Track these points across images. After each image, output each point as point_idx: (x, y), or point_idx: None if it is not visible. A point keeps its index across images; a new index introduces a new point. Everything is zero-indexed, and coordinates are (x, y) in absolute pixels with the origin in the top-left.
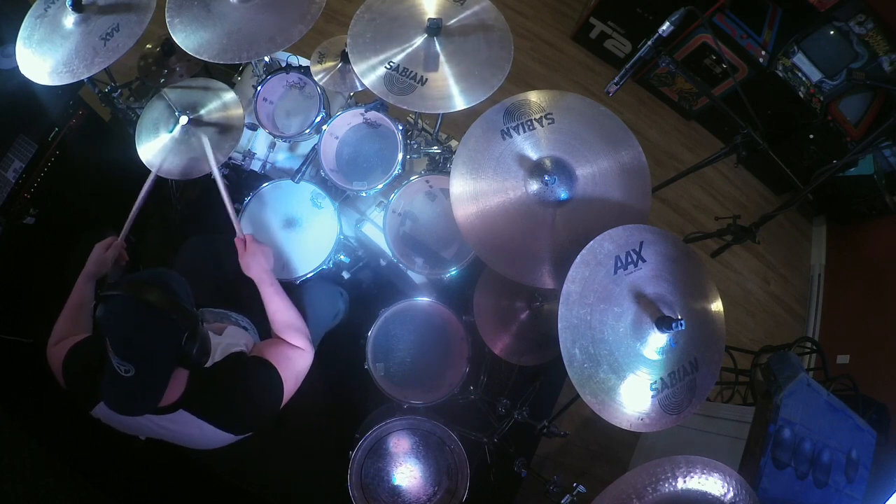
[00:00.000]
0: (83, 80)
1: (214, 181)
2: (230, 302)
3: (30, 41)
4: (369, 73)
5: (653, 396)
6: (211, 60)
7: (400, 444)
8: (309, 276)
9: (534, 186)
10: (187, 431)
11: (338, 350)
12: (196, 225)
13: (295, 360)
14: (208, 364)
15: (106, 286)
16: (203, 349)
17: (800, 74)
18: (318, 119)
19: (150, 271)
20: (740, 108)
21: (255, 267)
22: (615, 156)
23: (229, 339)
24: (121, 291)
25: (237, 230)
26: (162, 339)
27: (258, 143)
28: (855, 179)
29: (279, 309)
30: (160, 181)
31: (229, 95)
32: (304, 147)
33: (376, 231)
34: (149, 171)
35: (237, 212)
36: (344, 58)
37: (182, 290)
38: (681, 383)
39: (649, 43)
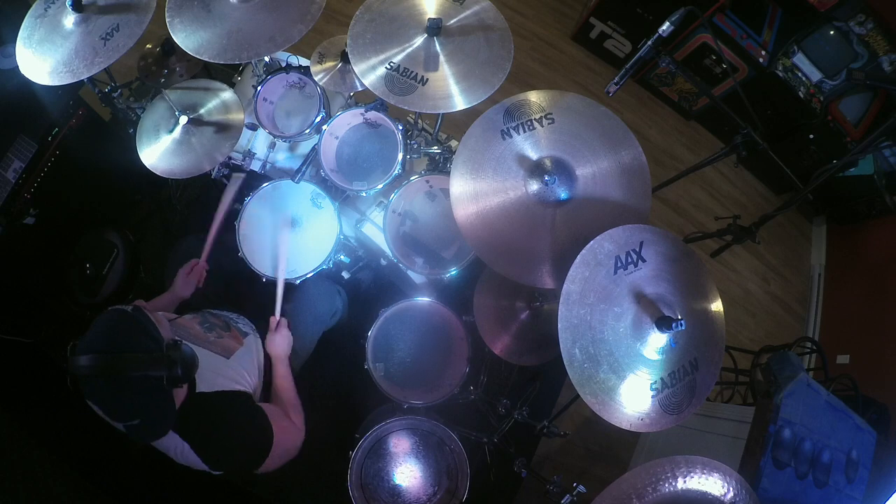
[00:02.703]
0: (83, 80)
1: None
2: (230, 302)
3: (30, 41)
4: (370, 73)
5: (653, 396)
6: (211, 60)
7: (400, 444)
8: (309, 276)
9: (534, 186)
10: (169, 444)
11: (338, 350)
12: (196, 225)
13: (290, 434)
14: (209, 389)
15: (68, 360)
16: (186, 364)
17: (800, 74)
18: (318, 119)
19: (101, 324)
20: (740, 108)
21: (280, 348)
22: (615, 156)
23: (236, 367)
24: (83, 371)
25: (277, 310)
26: (144, 391)
27: (258, 143)
28: (855, 179)
29: (286, 389)
30: (160, 181)
31: (229, 95)
32: (304, 147)
33: (376, 231)
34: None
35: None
36: (344, 58)
37: (136, 330)
38: (681, 383)
39: (649, 43)
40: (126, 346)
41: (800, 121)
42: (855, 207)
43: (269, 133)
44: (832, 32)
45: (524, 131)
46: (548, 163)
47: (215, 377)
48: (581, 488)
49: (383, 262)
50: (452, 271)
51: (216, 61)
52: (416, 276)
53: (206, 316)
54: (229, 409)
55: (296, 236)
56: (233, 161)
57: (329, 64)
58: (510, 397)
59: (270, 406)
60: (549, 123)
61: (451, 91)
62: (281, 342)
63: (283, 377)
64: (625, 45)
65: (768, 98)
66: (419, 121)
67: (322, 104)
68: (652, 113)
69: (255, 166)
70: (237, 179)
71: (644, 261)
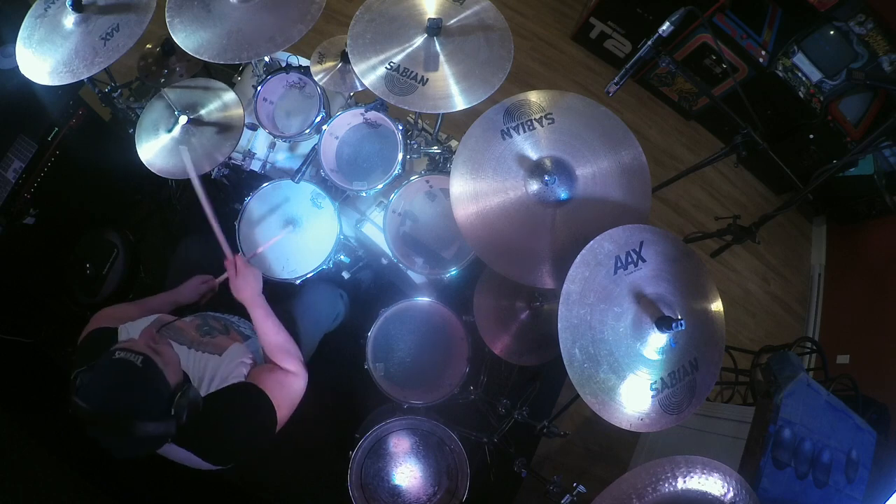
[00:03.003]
0: (83, 80)
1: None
2: (229, 306)
3: (30, 41)
4: (370, 73)
5: (653, 396)
6: (211, 60)
7: (400, 444)
8: (309, 276)
9: (534, 186)
10: (172, 454)
11: (338, 350)
12: (196, 225)
13: (289, 385)
14: (203, 392)
15: (72, 401)
16: (193, 409)
17: (800, 74)
18: (318, 119)
19: (107, 377)
20: (740, 108)
21: (247, 289)
22: (615, 156)
23: (228, 363)
24: (85, 420)
25: (226, 252)
26: (145, 441)
27: (258, 143)
28: (855, 179)
29: (270, 331)
30: (160, 181)
31: (229, 95)
32: (304, 147)
33: (376, 231)
34: (149, 173)
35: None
36: (344, 58)
37: (144, 388)
38: (681, 383)
39: (649, 43)
40: (132, 409)
41: (800, 121)
42: (855, 207)
43: (269, 133)
44: (832, 32)
45: (524, 131)
46: (548, 163)
47: (210, 380)
48: (581, 488)
49: (383, 261)
50: (452, 271)
51: (216, 61)
52: (416, 276)
53: (207, 318)
54: (225, 409)
55: (296, 236)
56: (233, 161)
57: (329, 64)
58: (510, 397)
59: (260, 371)
60: (549, 123)
61: (452, 91)
62: (245, 285)
63: (264, 320)
64: (625, 45)
65: (768, 98)
66: (419, 121)
67: (322, 104)
68: (652, 113)
69: (255, 166)
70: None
71: (644, 261)
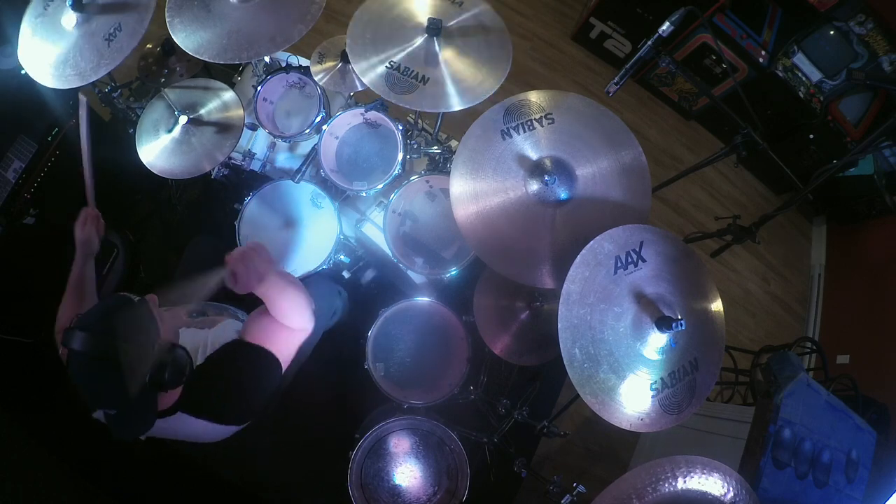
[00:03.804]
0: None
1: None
2: (230, 299)
3: (30, 42)
4: (370, 72)
5: (653, 396)
6: (211, 60)
7: (400, 444)
8: (309, 275)
9: (534, 186)
10: (188, 430)
11: (338, 350)
12: (196, 225)
13: (289, 340)
14: (200, 361)
15: (64, 333)
16: (176, 370)
17: (800, 74)
18: (318, 119)
19: (103, 305)
20: (740, 108)
21: (259, 280)
22: (615, 156)
23: (223, 331)
24: (75, 346)
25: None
26: (127, 384)
27: (258, 143)
28: (855, 179)
29: (280, 297)
30: (160, 181)
31: (229, 95)
32: (304, 147)
33: (376, 231)
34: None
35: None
36: (344, 58)
37: (134, 321)
38: (681, 383)
39: (649, 43)
40: (119, 334)
41: (800, 121)
42: (855, 207)
43: (269, 133)
44: (832, 32)
45: (524, 131)
46: (548, 163)
47: (206, 348)
48: (581, 488)
49: (384, 261)
50: (452, 271)
51: (216, 61)
52: (416, 276)
53: (203, 306)
54: (222, 365)
55: (296, 236)
56: (233, 161)
57: (329, 64)
58: (510, 397)
59: (252, 325)
60: (549, 123)
61: (452, 91)
62: (248, 280)
63: (276, 297)
64: (625, 45)
65: (768, 98)
66: (419, 121)
67: (322, 104)
68: (652, 113)
69: (255, 166)
70: (83, 103)
71: (644, 261)
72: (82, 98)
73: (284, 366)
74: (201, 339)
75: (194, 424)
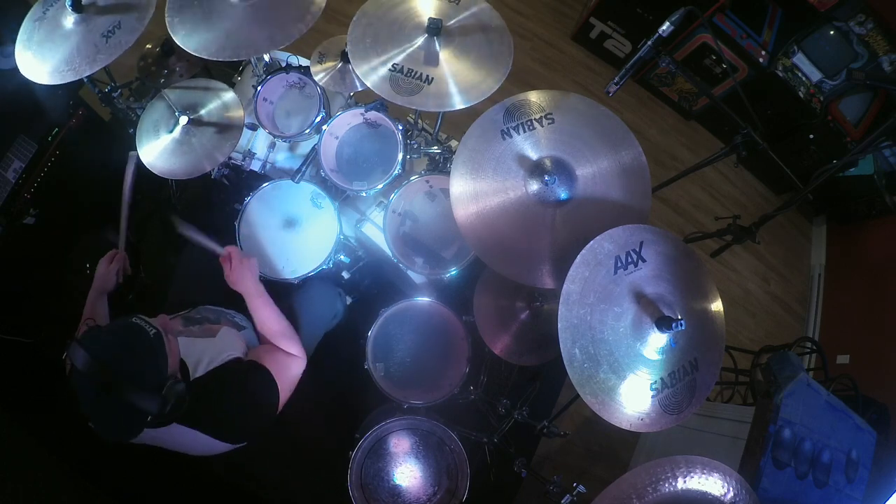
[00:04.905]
0: (83, 79)
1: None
2: (229, 300)
3: (29, 43)
4: (372, 74)
5: (653, 396)
6: (210, 58)
7: (400, 444)
8: (309, 276)
9: (534, 186)
10: (181, 441)
11: (338, 350)
12: (196, 226)
13: (286, 364)
14: (200, 373)
15: (68, 349)
16: (175, 406)
17: (800, 74)
18: (318, 119)
19: (118, 333)
20: (740, 108)
21: (243, 282)
22: (615, 156)
23: (222, 342)
24: (77, 365)
25: (217, 250)
26: (123, 411)
27: (258, 143)
28: (855, 179)
29: (270, 318)
30: (160, 181)
31: (229, 95)
32: (304, 147)
33: (376, 231)
34: (149, 172)
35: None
36: (344, 58)
37: (147, 358)
38: (681, 383)
39: (649, 43)
40: (128, 372)
41: (800, 121)
42: (855, 207)
43: (269, 133)
44: (832, 32)
45: (524, 131)
46: (548, 163)
47: (207, 360)
48: (581, 488)
49: (384, 261)
50: (452, 271)
51: (215, 58)
52: (416, 276)
53: (201, 310)
54: (226, 382)
55: (296, 236)
56: (233, 161)
57: (329, 64)
58: (510, 397)
59: (261, 350)
60: (549, 123)
61: (453, 90)
62: (242, 276)
63: (263, 308)
64: (625, 45)
65: (768, 98)
66: (419, 121)
67: (322, 104)
68: (652, 113)
69: (255, 166)
70: (133, 158)
71: (644, 261)
72: (132, 154)
73: (281, 391)
74: (203, 349)
75: (187, 436)
